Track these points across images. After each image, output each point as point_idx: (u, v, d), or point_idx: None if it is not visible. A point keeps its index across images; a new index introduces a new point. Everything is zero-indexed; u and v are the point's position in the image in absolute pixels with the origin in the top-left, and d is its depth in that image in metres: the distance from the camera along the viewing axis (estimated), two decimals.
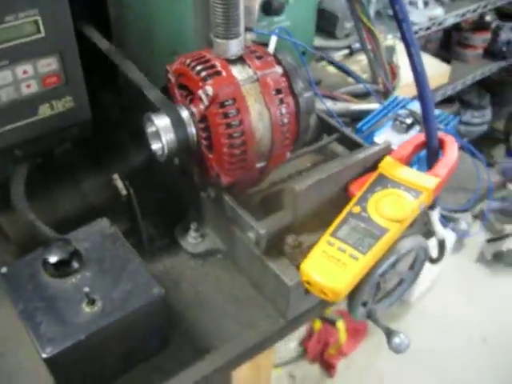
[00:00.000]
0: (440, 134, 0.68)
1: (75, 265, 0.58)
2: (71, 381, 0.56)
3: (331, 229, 0.62)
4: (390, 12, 1.29)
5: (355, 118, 0.91)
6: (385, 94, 1.01)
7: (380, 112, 0.85)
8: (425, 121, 0.65)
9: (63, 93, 0.61)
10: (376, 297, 0.68)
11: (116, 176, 0.66)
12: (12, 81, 0.57)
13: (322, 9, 1.13)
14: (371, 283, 0.62)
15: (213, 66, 0.58)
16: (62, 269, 0.57)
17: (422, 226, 0.73)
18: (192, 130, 0.60)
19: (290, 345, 1.61)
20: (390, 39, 1.16)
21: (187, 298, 0.68)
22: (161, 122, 0.59)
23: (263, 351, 0.66)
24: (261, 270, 0.65)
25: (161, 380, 0.60)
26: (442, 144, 0.69)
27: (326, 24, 1.13)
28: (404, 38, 0.61)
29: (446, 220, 0.79)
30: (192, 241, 0.72)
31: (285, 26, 0.97)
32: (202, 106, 0.58)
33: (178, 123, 0.59)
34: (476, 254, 2.03)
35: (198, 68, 0.58)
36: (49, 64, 0.58)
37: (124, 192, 0.66)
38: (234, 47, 0.58)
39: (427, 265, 0.73)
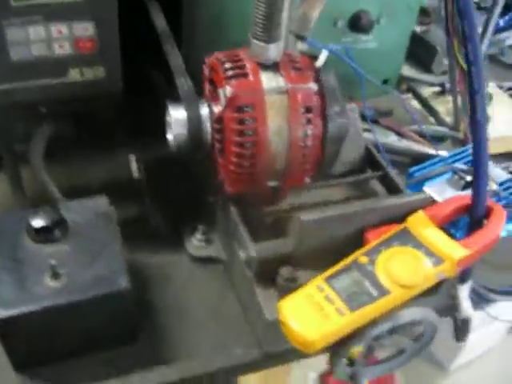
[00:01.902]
0: (489, 202, 0.60)
1: (57, 234, 0.56)
2: (17, 348, 0.54)
3: (328, 273, 0.55)
4: (504, 58, 1.18)
5: (418, 160, 0.83)
6: (463, 142, 0.92)
7: (442, 161, 0.77)
8: (475, 182, 0.57)
9: (95, 61, 0.59)
10: (366, 360, 0.61)
11: (132, 157, 0.64)
12: (45, 37, 0.56)
13: (419, 37, 1.05)
14: (359, 343, 0.55)
15: (242, 67, 0.54)
16: (42, 235, 0.56)
17: (447, 298, 0.65)
18: (208, 128, 0.56)
19: (309, 374, 1.53)
20: (491, 87, 1.05)
21: (172, 300, 0.64)
22: (176, 114, 0.56)
23: (226, 379, 0.61)
24: (248, 293, 0.60)
25: (110, 374, 0.57)
26: (488, 213, 0.60)
27: (422, 55, 1.04)
28: (470, 82, 0.54)
29: (479, 298, 0.70)
30: (196, 243, 0.69)
31: (371, 48, 0.91)
32: (219, 107, 0.54)
33: (193, 119, 0.55)
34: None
35: (227, 66, 0.54)
36: (85, 29, 0.57)
37: (136, 175, 0.64)
38: (271, 52, 0.53)
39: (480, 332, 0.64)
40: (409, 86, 1.03)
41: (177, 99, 0.59)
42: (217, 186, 0.62)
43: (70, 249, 0.56)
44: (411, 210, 0.60)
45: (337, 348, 0.56)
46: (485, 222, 0.60)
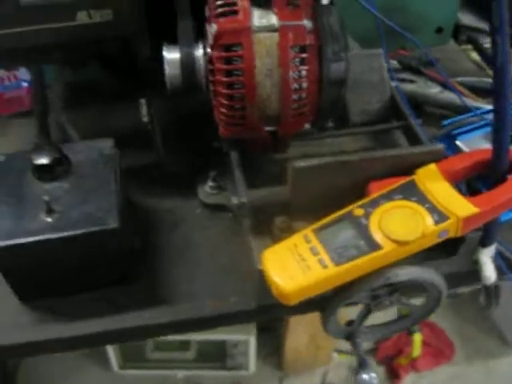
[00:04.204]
0: None
1: (58, 172, 0.58)
2: (15, 278, 0.57)
3: (318, 224, 0.52)
4: None
5: (461, 113, 0.76)
6: None
7: (481, 113, 0.70)
8: (496, 133, 0.51)
9: (102, 4, 0.59)
10: (365, 320, 0.58)
11: (143, 101, 0.64)
12: None
13: None
14: (348, 300, 0.52)
15: (233, 4, 0.51)
16: (43, 172, 0.57)
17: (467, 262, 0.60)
18: (201, 69, 0.55)
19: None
20: None
21: (177, 244, 0.65)
22: (170, 55, 0.54)
23: (221, 326, 0.60)
24: (244, 242, 0.59)
25: (107, 311, 0.58)
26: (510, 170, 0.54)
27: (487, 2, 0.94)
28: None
29: (506, 264, 0.63)
30: (207, 190, 0.68)
31: None
32: (209, 47, 0.52)
33: (186, 60, 0.54)
34: None
35: (219, 3, 0.51)
36: None
37: (146, 119, 0.64)
38: None
39: None
40: (469, 37, 0.94)
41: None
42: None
43: (69, 187, 0.57)
44: (422, 163, 0.55)
45: (325, 303, 0.53)
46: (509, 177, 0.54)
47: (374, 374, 0.55)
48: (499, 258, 0.61)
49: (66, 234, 0.53)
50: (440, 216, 0.51)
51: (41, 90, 0.72)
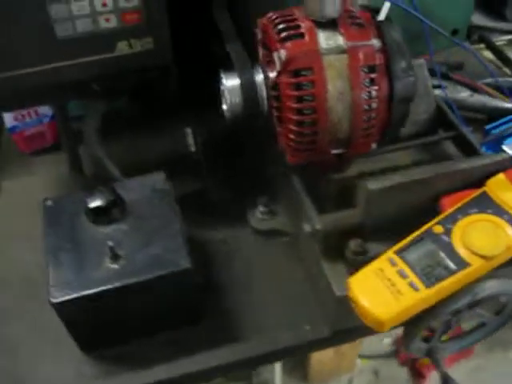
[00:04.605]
0: None
1: (114, 214, 0.55)
2: (79, 329, 0.54)
3: (399, 245, 0.51)
4: None
5: (494, 116, 0.76)
6: None
7: None
8: None
9: (143, 32, 0.57)
10: (444, 335, 0.57)
11: (189, 130, 0.62)
12: (90, 12, 0.54)
13: None
14: (435, 320, 0.51)
15: (297, 27, 0.49)
16: (99, 216, 0.54)
17: None
18: (263, 95, 0.53)
19: (384, 340, 1.49)
20: None
21: (237, 277, 0.62)
22: (229, 82, 0.52)
23: (296, 356, 0.58)
24: (316, 268, 0.57)
25: (174, 354, 0.56)
26: None
27: (493, 0, 0.95)
28: None
29: None
30: (259, 216, 0.66)
31: None
32: (275, 72, 0.50)
33: (247, 86, 0.52)
34: None
35: (280, 26, 0.50)
36: (130, 0, 0.54)
37: (193, 149, 0.62)
38: (328, 7, 0.48)
39: None
40: (480, 36, 0.94)
41: (231, 67, 0.56)
42: (277, 156, 0.59)
43: (128, 228, 0.54)
44: (490, 173, 0.55)
45: (410, 325, 0.52)
46: None
47: None
48: None
49: (135, 280, 0.51)
50: None
51: (67, 124, 0.69)
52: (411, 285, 0.48)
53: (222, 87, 0.54)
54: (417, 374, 1.47)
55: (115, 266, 0.51)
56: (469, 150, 0.61)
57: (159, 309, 0.54)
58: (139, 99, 0.68)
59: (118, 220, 0.55)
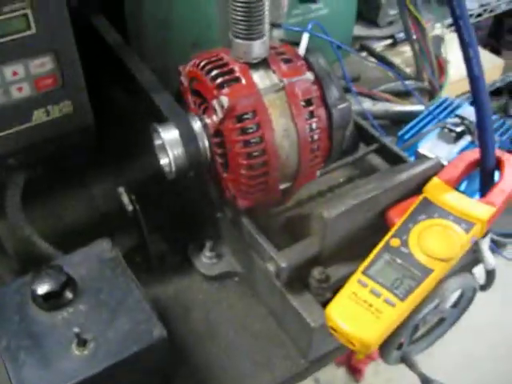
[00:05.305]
0: (497, 152, 0.58)
1: (68, 296, 0.50)
2: None
3: (364, 265, 0.52)
4: None
5: (396, 120, 0.81)
6: (430, 92, 0.91)
7: (425, 117, 0.75)
8: (480, 135, 0.55)
9: (60, 97, 0.53)
10: (412, 338, 0.59)
11: (121, 190, 0.59)
12: (0, 83, 0.49)
13: None
14: (408, 328, 0.53)
15: (231, 72, 0.49)
16: (52, 301, 0.50)
17: (469, 255, 0.64)
18: (205, 143, 0.52)
19: None
20: (437, 28, 1.04)
21: (198, 329, 0.60)
22: (168, 135, 0.51)
23: None
24: (281, 303, 0.57)
25: None
26: (499, 164, 0.58)
27: (367, 10, 1.02)
28: (461, 38, 0.51)
29: (495, 245, 0.69)
30: (207, 261, 0.64)
31: (322, 15, 0.87)
32: (216, 119, 0.49)
33: (188, 136, 0.50)
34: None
35: (214, 73, 0.49)
36: (42, 64, 0.50)
37: (130, 208, 0.59)
38: (257, 49, 0.49)
39: None
40: (362, 45, 1.00)
41: (156, 117, 0.54)
42: (221, 201, 0.58)
43: (87, 308, 0.50)
44: (426, 179, 0.58)
45: (387, 340, 0.54)
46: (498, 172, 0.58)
47: None
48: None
49: (112, 361, 0.47)
50: (467, 224, 0.54)
51: None
52: (387, 301, 0.50)
53: (158, 141, 0.52)
54: (354, 370, 1.52)
55: (85, 352, 0.47)
56: (393, 159, 0.65)
57: (135, 383, 0.51)
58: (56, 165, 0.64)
59: (72, 301, 0.51)
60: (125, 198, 0.58)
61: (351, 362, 1.51)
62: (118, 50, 0.58)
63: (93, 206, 0.66)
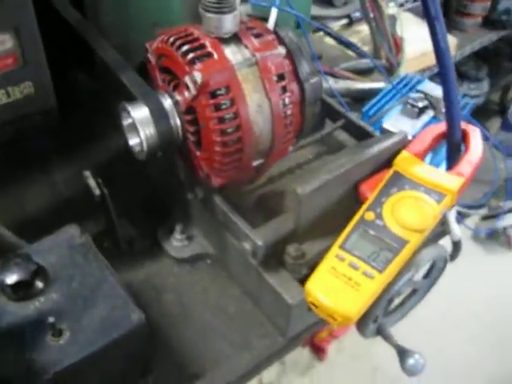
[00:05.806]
0: (462, 125, 0.59)
1: (39, 285, 0.48)
2: None
3: (340, 239, 0.53)
4: None
5: (358, 98, 0.82)
6: (388, 69, 0.91)
7: (388, 93, 0.76)
8: (447, 109, 0.56)
9: (21, 77, 0.50)
10: (387, 310, 0.60)
11: (88, 173, 0.56)
12: None
13: None
14: (385, 300, 0.54)
15: (202, 47, 0.48)
16: (22, 291, 0.48)
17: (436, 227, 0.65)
18: (176, 121, 0.50)
19: None
20: (391, 7, 1.05)
21: (171, 313, 0.59)
22: (138, 114, 0.49)
23: (259, 373, 0.58)
24: (257, 282, 0.56)
25: None
26: (464, 136, 0.60)
27: None
28: (427, 13, 0.51)
29: (461, 217, 0.71)
30: (177, 244, 0.63)
31: None
32: (188, 95, 0.48)
33: (159, 114, 0.49)
34: (470, 232, 1.96)
35: (185, 48, 0.48)
36: (1, 42, 0.48)
37: (97, 192, 0.57)
38: (228, 23, 0.48)
39: None
40: (318, 26, 1.00)
41: (124, 96, 0.52)
42: (191, 182, 0.57)
43: (60, 297, 0.48)
44: (394, 153, 0.58)
45: (365, 313, 0.54)
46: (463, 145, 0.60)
47: (417, 355, 0.57)
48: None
49: (92, 349, 0.45)
50: (438, 195, 0.55)
51: None
52: (366, 274, 0.50)
53: (127, 121, 0.50)
54: (317, 349, 1.54)
55: (61, 342, 0.45)
56: (361, 135, 0.65)
57: (115, 371, 0.50)
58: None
59: (43, 290, 0.48)
60: (91, 182, 0.56)
61: (314, 341, 1.52)
62: (80, 29, 0.55)
63: (56, 191, 0.63)
